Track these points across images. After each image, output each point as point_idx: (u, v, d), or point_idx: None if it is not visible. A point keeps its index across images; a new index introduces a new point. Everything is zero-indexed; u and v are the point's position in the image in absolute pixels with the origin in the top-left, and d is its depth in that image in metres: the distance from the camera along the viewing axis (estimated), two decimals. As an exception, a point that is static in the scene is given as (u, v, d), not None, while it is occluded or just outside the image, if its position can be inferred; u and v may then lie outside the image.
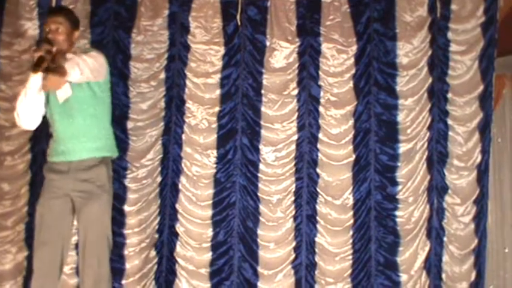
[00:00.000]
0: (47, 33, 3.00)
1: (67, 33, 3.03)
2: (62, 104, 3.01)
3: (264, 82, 4.21)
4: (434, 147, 4.19)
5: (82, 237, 3.00)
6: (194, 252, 4.10)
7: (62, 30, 3.00)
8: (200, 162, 4.15)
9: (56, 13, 3.11)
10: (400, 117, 4.18)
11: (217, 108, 4.18)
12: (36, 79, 2.89)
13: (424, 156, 4.19)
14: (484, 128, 4.17)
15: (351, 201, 4.16)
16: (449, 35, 4.21)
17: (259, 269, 4.11)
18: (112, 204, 4.03)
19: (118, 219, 4.05)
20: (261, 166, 4.17)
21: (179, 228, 4.12)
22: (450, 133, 4.20)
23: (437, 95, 4.20)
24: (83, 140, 3.01)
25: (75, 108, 3.01)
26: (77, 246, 3.95)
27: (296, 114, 4.19)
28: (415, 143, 4.17)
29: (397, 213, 4.16)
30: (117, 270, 4.06)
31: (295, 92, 4.20)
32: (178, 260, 4.12)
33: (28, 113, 2.97)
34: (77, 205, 3.00)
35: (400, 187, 4.16)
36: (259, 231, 4.13)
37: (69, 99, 3.00)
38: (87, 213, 2.98)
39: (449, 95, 4.21)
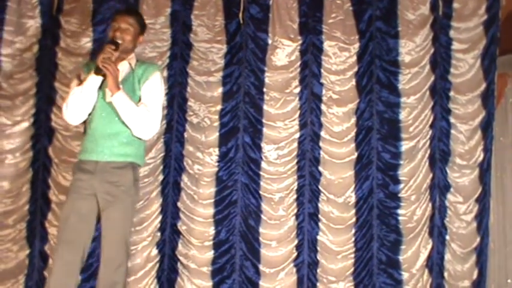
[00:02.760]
0: (116, 30, 3.01)
1: (135, 35, 3.07)
2: (106, 103, 2.98)
3: (266, 80, 4.20)
4: (436, 145, 4.19)
5: (103, 238, 3.00)
6: (196, 251, 4.09)
7: (131, 32, 3.04)
8: (202, 161, 4.14)
9: (128, 13, 3.14)
10: (403, 115, 4.18)
11: (219, 107, 4.18)
12: (96, 80, 2.91)
13: (427, 155, 4.19)
14: (486, 126, 4.18)
15: (353, 200, 4.16)
16: (452, 33, 4.22)
17: (261, 267, 4.10)
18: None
19: (120, 217, 4.05)
20: (263, 164, 4.17)
21: (181, 227, 4.12)
22: (452, 131, 4.20)
23: (440, 93, 4.20)
24: (116, 143, 2.98)
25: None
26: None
27: (298, 112, 4.19)
28: (418, 141, 4.17)
29: (400, 211, 4.16)
30: (119, 268, 4.05)
31: (297, 90, 4.20)
32: (180, 258, 4.11)
33: (78, 109, 2.97)
34: (102, 205, 2.97)
35: (402, 185, 4.16)
36: (261, 230, 4.13)
37: None
38: (109, 218, 2.96)
39: (452, 93, 4.21)
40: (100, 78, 2.91)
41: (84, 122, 3.08)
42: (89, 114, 3.02)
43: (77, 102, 2.95)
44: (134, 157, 3.05)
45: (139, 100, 3.03)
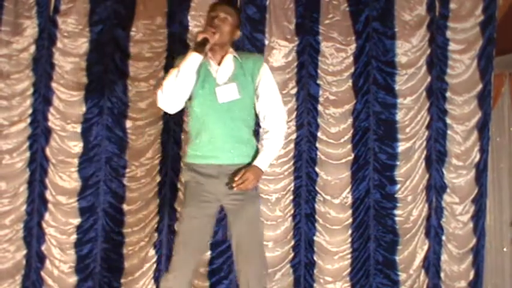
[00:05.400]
0: (213, 18, 2.78)
1: (232, 26, 2.82)
2: (220, 103, 2.78)
3: (263, 81, 4.20)
4: (433, 146, 4.20)
5: (240, 242, 2.83)
6: (193, 251, 4.09)
7: (229, 21, 2.79)
8: (199, 161, 4.14)
9: (227, 3, 2.88)
10: (399, 116, 4.19)
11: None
12: (196, 58, 2.68)
13: (423, 155, 4.20)
14: (483, 127, 4.19)
15: (349, 200, 4.17)
16: (448, 33, 4.22)
17: (258, 268, 4.10)
18: (111, 203, 4.08)
19: (117, 218, 4.06)
20: (260, 165, 4.16)
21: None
22: (449, 132, 4.21)
23: (436, 94, 4.21)
24: (237, 145, 2.80)
25: (235, 112, 2.80)
26: (75, 245, 4.04)
27: (295, 113, 4.19)
28: (414, 142, 4.18)
29: (396, 212, 4.17)
30: (116, 268, 4.06)
31: (294, 90, 4.20)
32: (177, 258, 4.11)
33: (176, 93, 2.70)
34: (231, 210, 2.84)
35: (398, 186, 4.18)
36: (258, 230, 4.13)
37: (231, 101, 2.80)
38: (243, 218, 2.82)
39: (448, 94, 4.22)
40: (200, 57, 2.68)
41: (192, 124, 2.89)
42: (202, 116, 2.80)
43: (172, 85, 2.69)
44: (255, 157, 2.86)
45: (252, 100, 2.86)
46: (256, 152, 2.88)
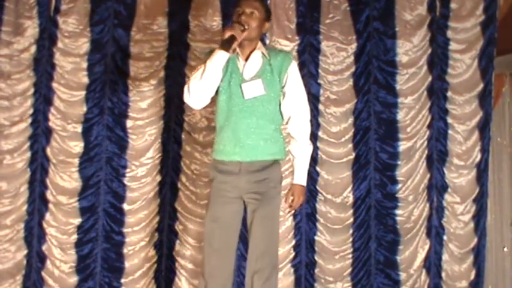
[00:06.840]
0: (240, 15, 2.76)
1: (260, 20, 2.80)
2: (246, 99, 2.77)
3: (264, 80, 4.20)
4: (434, 145, 4.20)
5: (253, 241, 2.83)
6: (193, 251, 4.09)
7: (256, 16, 2.77)
8: (199, 161, 4.13)
9: None
10: (400, 115, 4.19)
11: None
12: (222, 56, 2.65)
13: (424, 155, 4.20)
14: (484, 127, 4.19)
15: (350, 200, 4.16)
16: (449, 33, 4.22)
17: (259, 268, 4.10)
18: (111, 202, 4.08)
19: (117, 217, 4.06)
20: (261, 164, 4.16)
21: (178, 227, 4.12)
22: (450, 131, 4.21)
23: (437, 94, 4.21)
24: (261, 143, 2.78)
25: (260, 108, 2.78)
26: (76, 245, 4.03)
27: (296, 113, 4.18)
28: (415, 142, 4.18)
29: (397, 211, 4.17)
30: (117, 268, 4.06)
31: (295, 90, 4.20)
32: (178, 258, 4.11)
33: (201, 89, 2.69)
34: (251, 207, 2.82)
35: (400, 185, 4.17)
36: (258, 230, 4.12)
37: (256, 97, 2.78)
38: (259, 216, 2.80)
39: (449, 94, 4.22)
40: (226, 55, 2.66)
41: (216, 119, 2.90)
42: (228, 112, 2.80)
43: (199, 82, 2.68)
44: (278, 154, 2.86)
45: (278, 95, 2.83)
46: (282, 147, 2.89)
